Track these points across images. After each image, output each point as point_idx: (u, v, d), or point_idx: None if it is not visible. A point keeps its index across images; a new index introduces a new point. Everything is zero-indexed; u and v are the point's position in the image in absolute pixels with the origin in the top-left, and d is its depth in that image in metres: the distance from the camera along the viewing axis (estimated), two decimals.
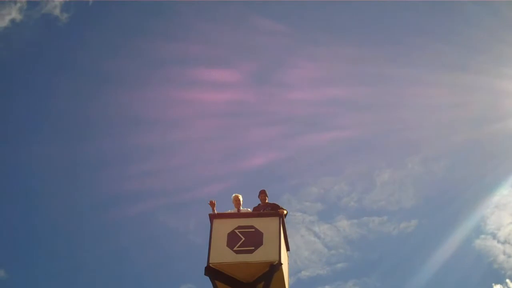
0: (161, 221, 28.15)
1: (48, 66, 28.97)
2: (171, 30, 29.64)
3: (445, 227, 28.24)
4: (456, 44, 28.74)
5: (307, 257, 27.36)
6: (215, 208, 10.17)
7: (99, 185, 28.84)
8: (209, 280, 9.39)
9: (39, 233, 27.84)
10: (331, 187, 29.74)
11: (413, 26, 30.57)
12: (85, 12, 28.27)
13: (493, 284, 25.68)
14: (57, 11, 26.73)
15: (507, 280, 25.42)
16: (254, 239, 9.49)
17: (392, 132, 30.59)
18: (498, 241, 27.38)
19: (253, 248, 9.40)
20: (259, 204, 10.91)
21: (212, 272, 9.33)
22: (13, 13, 25.86)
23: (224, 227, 9.69)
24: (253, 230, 9.62)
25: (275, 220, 9.87)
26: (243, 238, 9.50)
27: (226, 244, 9.46)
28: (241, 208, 10.59)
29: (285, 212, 10.34)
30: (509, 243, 27.25)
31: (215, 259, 9.37)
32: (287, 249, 10.39)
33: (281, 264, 9.34)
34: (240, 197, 10.66)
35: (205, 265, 9.34)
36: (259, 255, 9.33)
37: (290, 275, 10.52)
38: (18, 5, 26.12)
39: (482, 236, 27.54)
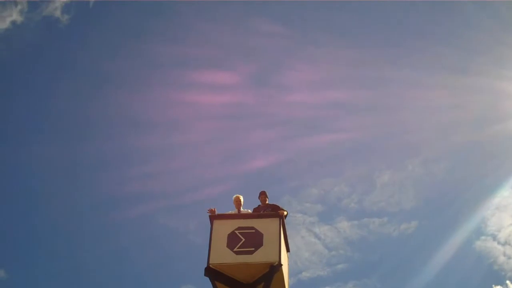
0: (161, 222, 28.19)
1: (49, 67, 29.04)
2: (170, 32, 29.71)
3: (445, 228, 28.28)
4: (456, 46, 28.80)
5: (308, 258, 27.38)
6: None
7: (99, 186, 28.89)
8: (209, 281, 9.41)
9: (39, 233, 27.90)
10: (331, 188, 29.78)
11: (413, 28, 30.63)
12: (85, 13, 28.33)
13: (493, 285, 25.69)
14: (57, 13, 26.78)
15: (508, 282, 25.43)
16: (254, 240, 9.49)
17: (392, 134, 30.63)
18: (499, 243, 27.40)
19: (253, 249, 9.40)
20: (259, 205, 10.92)
21: (212, 272, 9.33)
22: (14, 15, 25.91)
23: (224, 228, 9.70)
24: (253, 231, 9.63)
25: (275, 221, 9.87)
26: (243, 239, 9.51)
27: (226, 245, 9.46)
28: (241, 209, 10.60)
29: (285, 213, 10.34)
30: (509, 244, 27.27)
31: (215, 259, 9.37)
32: (287, 250, 10.40)
33: (281, 265, 9.35)
34: (241, 198, 10.66)
35: (205, 265, 9.35)
36: (259, 256, 9.33)
37: (290, 276, 10.54)
38: (19, 6, 26.16)
39: (483, 237, 27.57)
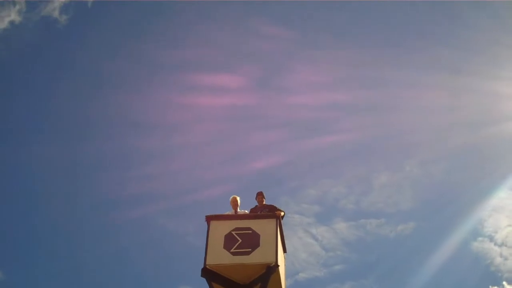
0: (160, 223, 28.21)
1: (48, 67, 29.07)
2: (170, 32, 29.74)
3: (442, 229, 28.30)
4: (454, 47, 28.83)
5: (305, 259, 27.40)
6: None
7: (99, 187, 28.92)
8: (206, 281, 9.42)
9: (39, 233, 27.91)
10: (329, 189, 29.82)
11: (412, 29, 30.68)
12: (84, 13, 28.36)
13: (490, 286, 25.81)
14: (56, 13, 26.80)
15: (504, 283, 25.48)
16: (251, 241, 9.50)
17: (390, 135, 30.68)
18: (495, 244, 27.46)
19: (250, 249, 9.41)
20: (256, 206, 10.94)
21: (208, 273, 9.34)
22: (13, 15, 25.92)
23: (221, 228, 9.71)
24: (250, 232, 9.64)
25: (272, 222, 9.87)
26: (240, 240, 9.52)
27: (223, 246, 9.47)
28: (238, 210, 10.61)
29: (282, 213, 10.36)
30: (506, 245, 27.33)
31: (212, 260, 9.38)
32: (284, 251, 10.41)
33: (278, 266, 9.36)
34: (238, 199, 10.67)
35: (202, 266, 9.37)
36: (256, 257, 9.34)
37: (287, 277, 10.55)
38: (18, 7, 26.18)
39: (480, 238, 27.63)
